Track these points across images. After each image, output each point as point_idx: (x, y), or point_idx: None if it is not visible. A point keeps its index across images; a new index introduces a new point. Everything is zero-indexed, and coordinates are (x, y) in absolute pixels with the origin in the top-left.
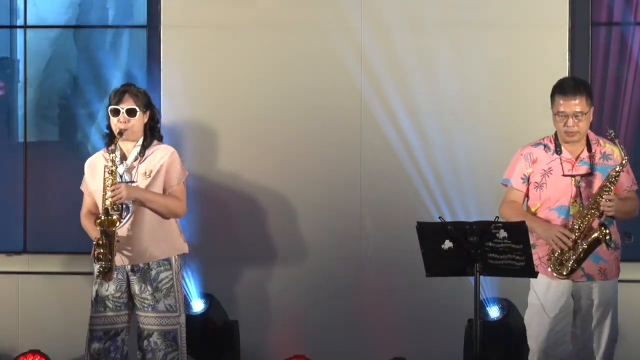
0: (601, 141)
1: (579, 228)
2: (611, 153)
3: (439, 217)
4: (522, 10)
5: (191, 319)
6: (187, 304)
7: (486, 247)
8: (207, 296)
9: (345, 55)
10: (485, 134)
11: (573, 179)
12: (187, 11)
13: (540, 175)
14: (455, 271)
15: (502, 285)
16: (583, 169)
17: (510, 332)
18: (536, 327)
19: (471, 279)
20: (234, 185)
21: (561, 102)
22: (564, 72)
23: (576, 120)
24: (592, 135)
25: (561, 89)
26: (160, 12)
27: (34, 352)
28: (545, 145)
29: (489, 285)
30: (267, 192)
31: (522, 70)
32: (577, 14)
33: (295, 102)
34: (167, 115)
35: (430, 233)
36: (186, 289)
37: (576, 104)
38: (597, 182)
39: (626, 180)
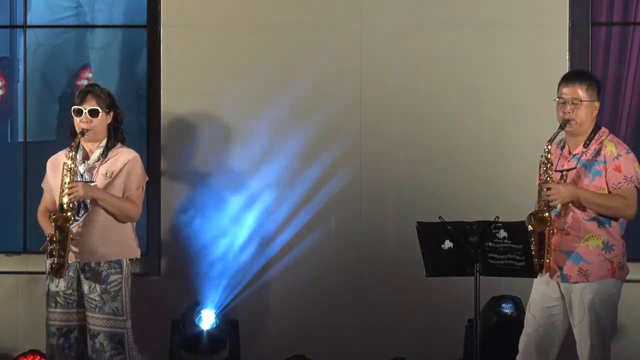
0: (605, 140)
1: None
2: (602, 149)
3: (439, 217)
4: (522, 10)
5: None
6: (197, 318)
7: (486, 247)
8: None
9: (345, 55)
10: (485, 133)
11: (561, 174)
12: (187, 11)
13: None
14: (455, 271)
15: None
16: (573, 165)
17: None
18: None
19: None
20: (233, 185)
21: (562, 88)
22: (564, 72)
23: (573, 107)
24: (603, 131)
25: (564, 77)
26: (160, 12)
27: (34, 352)
28: (560, 141)
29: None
30: (267, 192)
31: (522, 70)
32: (577, 14)
33: (295, 102)
34: (167, 115)
35: (430, 233)
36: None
37: (574, 90)
38: (582, 179)
39: (614, 177)
